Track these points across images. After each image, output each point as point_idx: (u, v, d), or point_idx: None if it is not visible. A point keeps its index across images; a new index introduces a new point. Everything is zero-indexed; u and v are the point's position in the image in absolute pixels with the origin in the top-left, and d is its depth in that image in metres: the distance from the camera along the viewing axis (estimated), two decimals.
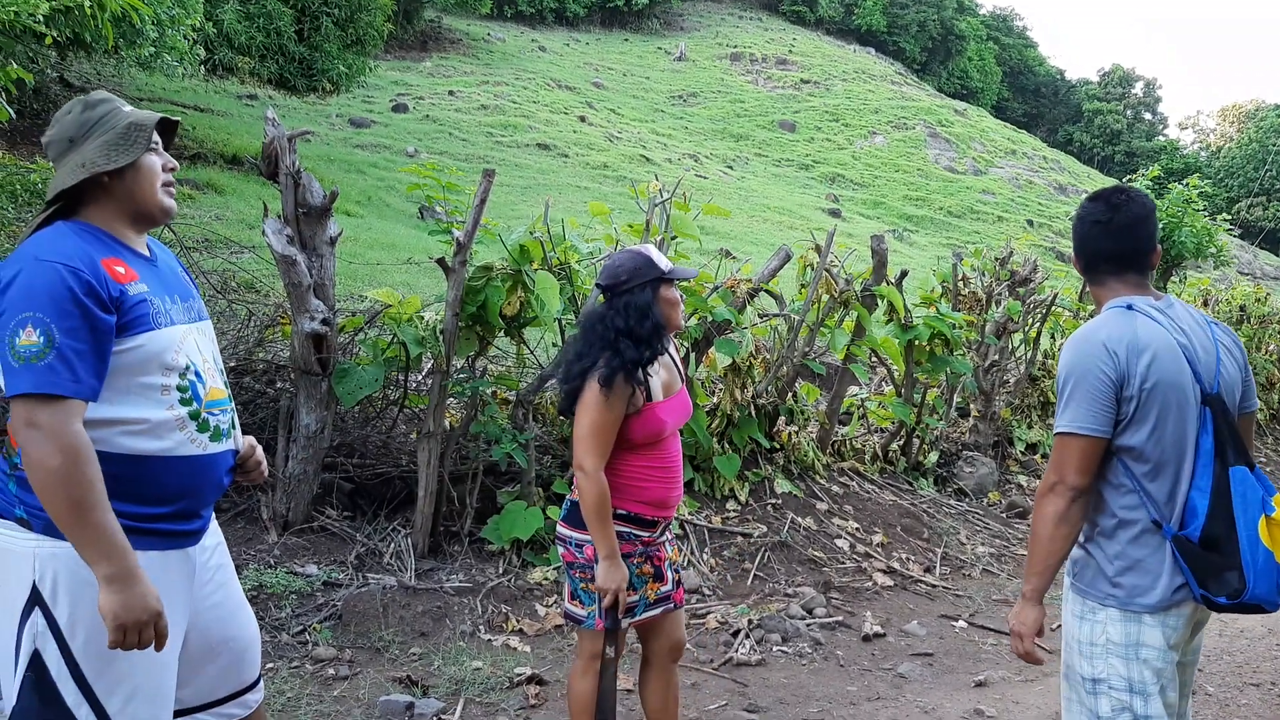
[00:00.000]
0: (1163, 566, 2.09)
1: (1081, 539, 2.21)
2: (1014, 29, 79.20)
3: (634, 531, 2.61)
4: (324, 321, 4.07)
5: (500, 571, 4.34)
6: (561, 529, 2.68)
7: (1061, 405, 2.17)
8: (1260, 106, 75.87)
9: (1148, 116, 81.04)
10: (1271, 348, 12.80)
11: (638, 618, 2.66)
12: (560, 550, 2.70)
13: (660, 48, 58.13)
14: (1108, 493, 2.16)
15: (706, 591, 4.65)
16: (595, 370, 2.51)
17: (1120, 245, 2.27)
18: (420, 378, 5.27)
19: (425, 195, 4.88)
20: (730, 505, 5.46)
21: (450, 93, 35.35)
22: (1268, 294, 13.60)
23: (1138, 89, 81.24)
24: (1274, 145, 70.05)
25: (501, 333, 4.65)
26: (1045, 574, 2.18)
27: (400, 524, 4.45)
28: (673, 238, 5.29)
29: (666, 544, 2.76)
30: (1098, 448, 2.12)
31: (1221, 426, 2.11)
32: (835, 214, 31.78)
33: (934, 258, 17.37)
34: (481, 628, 3.95)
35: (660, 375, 2.65)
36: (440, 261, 4.30)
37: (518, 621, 4.03)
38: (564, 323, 4.80)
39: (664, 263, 2.62)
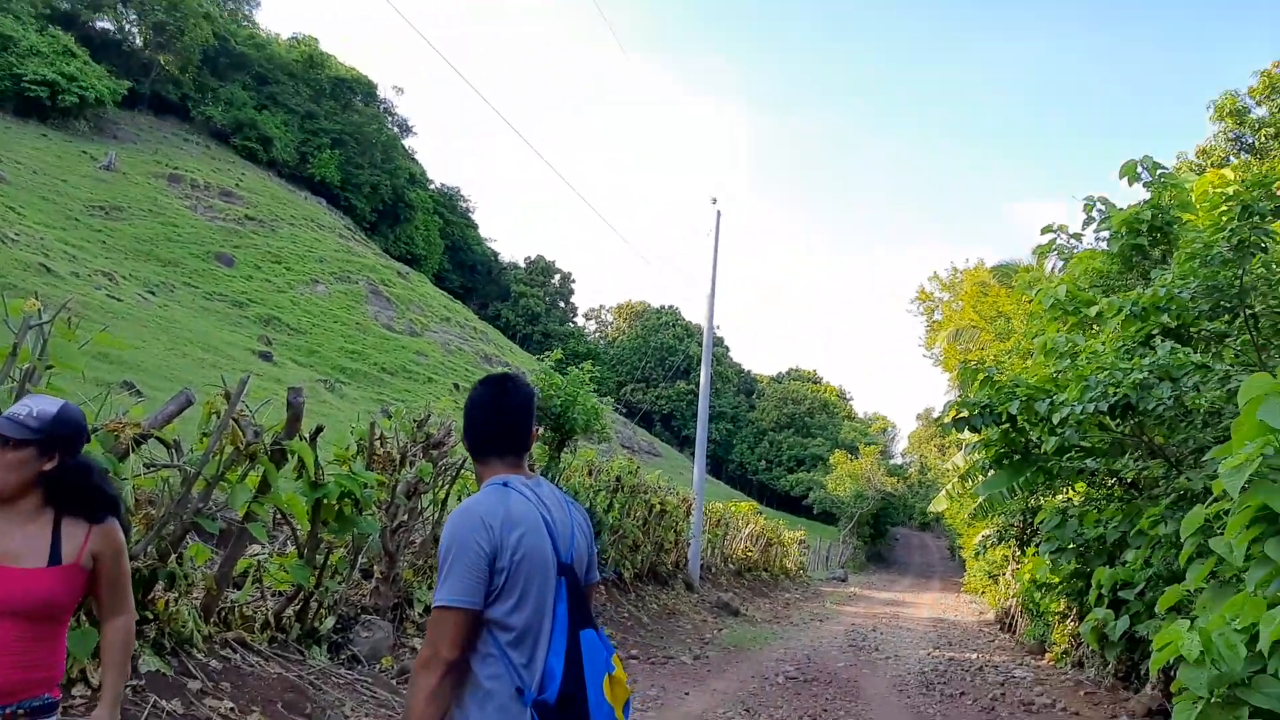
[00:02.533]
0: None
1: (450, 715, 2.22)
2: (458, 208, 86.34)
3: None
4: None
5: None
6: None
7: (441, 578, 2.23)
8: (646, 308, 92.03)
9: (562, 304, 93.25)
10: (639, 514, 14.98)
11: None
12: None
13: (85, 151, 52.01)
14: (476, 663, 2.23)
15: None
16: None
17: (504, 429, 2.46)
18: None
19: None
20: (77, 690, 4.58)
21: None
22: (638, 467, 16.02)
23: (556, 280, 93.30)
24: (653, 340, 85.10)
25: None
26: None
27: None
28: (48, 367, 4.51)
29: None
30: (472, 620, 2.19)
31: (574, 594, 2.32)
32: (267, 357, 30.56)
33: (365, 411, 17.47)
34: None
35: None
36: None
37: None
38: None
39: None
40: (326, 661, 6.31)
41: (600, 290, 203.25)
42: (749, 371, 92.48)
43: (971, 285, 37.47)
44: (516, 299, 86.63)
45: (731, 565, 22.07)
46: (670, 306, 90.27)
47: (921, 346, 46.61)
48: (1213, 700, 3.60)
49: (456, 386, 38.69)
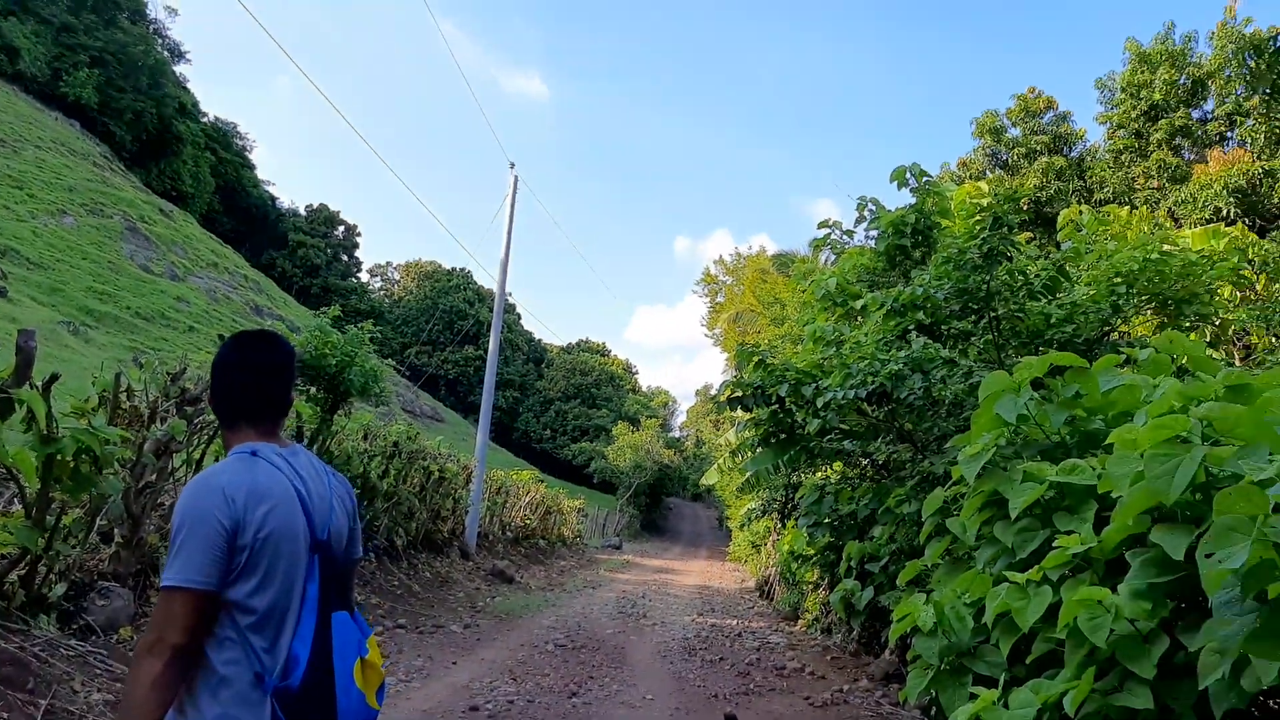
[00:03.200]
0: None
1: (179, 704, 2.03)
2: (234, 146, 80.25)
3: None
4: None
5: None
6: None
7: (172, 555, 2.02)
8: (436, 269, 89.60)
9: (345, 258, 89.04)
10: (416, 480, 14.63)
11: None
12: None
13: None
14: (211, 648, 2.04)
15: None
16: None
17: (257, 392, 2.26)
18: None
19: None
20: None
21: None
22: (418, 433, 15.63)
23: (340, 231, 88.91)
24: (443, 303, 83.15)
25: None
26: None
27: None
28: None
29: None
30: (206, 602, 2.01)
31: (327, 573, 2.18)
32: (0, 292, 27.24)
33: (114, 359, 15.99)
34: None
35: None
36: None
37: None
38: None
39: None
40: (55, 632, 5.72)
41: (389, 247, 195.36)
42: (539, 341, 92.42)
43: (753, 271, 39.35)
44: (295, 249, 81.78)
45: (510, 533, 22.06)
46: (462, 269, 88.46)
47: (704, 326, 48.53)
48: (943, 668, 3.95)
49: (221, 338, 36.14)
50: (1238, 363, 13.05)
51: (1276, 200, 22.63)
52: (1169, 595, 2.93)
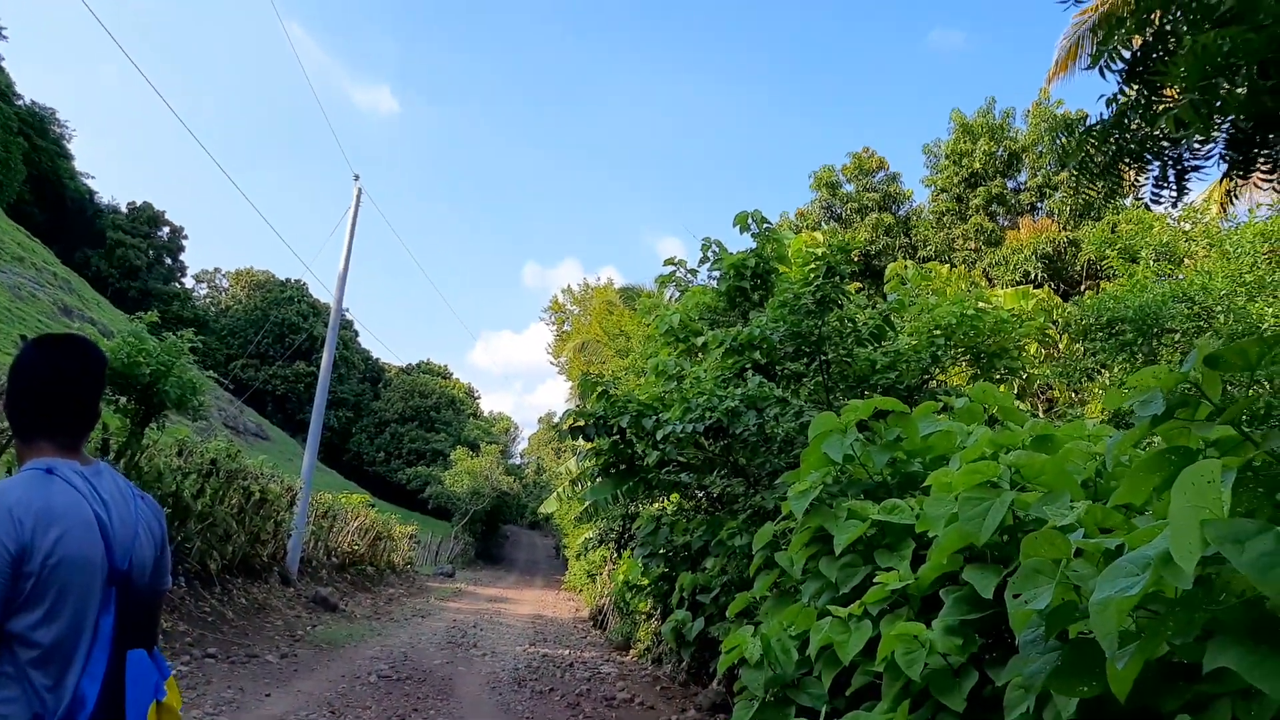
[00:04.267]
0: None
1: None
2: (50, 134, 74.23)
3: None
4: None
5: None
6: None
7: None
8: (269, 279, 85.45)
9: (169, 261, 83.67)
10: (235, 501, 13.83)
11: None
12: None
13: None
14: None
15: None
16: None
17: (59, 404, 2.07)
18: None
19: None
20: None
21: None
22: (239, 450, 14.80)
23: (164, 232, 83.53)
24: (274, 315, 79.41)
25: None
26: None
27: None
28: None
29: None
30: None
31: (126, 607, 2.01)
32: None
33: None
34: None
35: None
36: None
37: None
38: None
39: None
40: None
41: (219, 253, 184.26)
42: (377, 360, 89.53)
43: (600, 303, 39.71)
44: (113, 248, 76.13)
45: (336, 559, 21.10)
46: (297, 280, 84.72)
47: (550, 354, 48.46)
48: (768, 699, 4.04)
49: (23, 339, 33.22)
50: (1041, 415, 14.17)
51: (1079, 267, 24.83)
52: (979, 632, 3.11)
